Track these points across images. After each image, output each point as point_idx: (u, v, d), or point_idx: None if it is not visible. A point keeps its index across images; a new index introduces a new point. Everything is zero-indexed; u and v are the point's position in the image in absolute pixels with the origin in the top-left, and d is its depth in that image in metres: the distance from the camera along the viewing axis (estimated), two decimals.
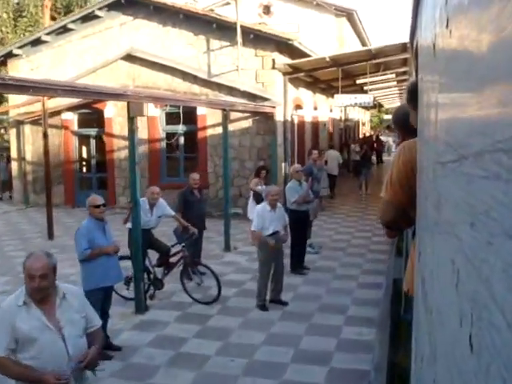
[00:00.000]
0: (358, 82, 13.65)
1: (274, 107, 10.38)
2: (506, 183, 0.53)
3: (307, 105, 14.06)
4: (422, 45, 1.86)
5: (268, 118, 10.40)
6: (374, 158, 27.37)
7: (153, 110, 11.18)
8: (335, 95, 12.73)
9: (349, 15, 20.36)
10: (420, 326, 1.61)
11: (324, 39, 14.43)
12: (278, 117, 10.68)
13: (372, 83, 14.40)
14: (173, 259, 5.87)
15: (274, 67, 10.87)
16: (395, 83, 22.45)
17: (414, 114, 2.18)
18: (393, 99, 34.32)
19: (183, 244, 5.71)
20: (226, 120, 8.20)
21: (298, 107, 13.21)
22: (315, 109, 15.78)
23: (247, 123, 10.91)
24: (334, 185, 14.18)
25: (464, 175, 0.78)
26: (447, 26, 0.95)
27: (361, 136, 34.87)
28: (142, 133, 10.93)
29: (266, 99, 10.43)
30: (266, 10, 18.62)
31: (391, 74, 13.69)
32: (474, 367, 0.67)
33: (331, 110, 20.47)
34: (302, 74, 11.76)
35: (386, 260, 7.66)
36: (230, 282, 6.50)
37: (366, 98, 12.91)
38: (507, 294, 0.52)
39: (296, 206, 6.84)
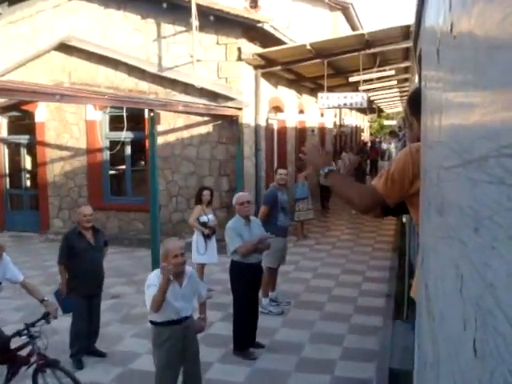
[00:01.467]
0: (350, 79, 12.79)
1: (239, 109, 9.10)
2: (510, 188, 0.54)
3: (290, 107, 12.93)
4: (426, 50, 1.88)
5: (232, 122, 9.12)
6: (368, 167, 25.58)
7: (92, 113, 10.44)
8: (319, 94, 11.13)
9: (344, 9, 19.54)
10: (423, 331, 1.58)
11: (317, 35, 13.72)
12: (247, 121, 9.53)
13: (368, 82, 13.70)
14: (22, 352, 4.01)
15: (240, 58, 9.41)
16: (395, 83, 20.72)
17: (417, 125, 2.18)
18: (394, 103, 33.40)
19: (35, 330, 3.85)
20: (152, 124, 7.19)
21: (278, 110, 12.08)
22: (301, 112, 14.73)
23: (207, 129, 9.71)
24: (329, 197, 14.46)
25: (468, 180, 0.79)
26: (451, 30, 0.95)
27: (356, 143, 32.57)
28: (80, 141, 10.39)
29: (230, 99, 9.20)
30: (254, 3, 17.32)
31: (390, 69, 12.63)
32: (478, 372, 0.67)
33: (322, 115, 19.57)
34: (279, 68, 10.25)
35: (379, 328, 5.97)
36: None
37: (357, 98, 11.19)
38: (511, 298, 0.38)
39: (240, 258, 5.05)
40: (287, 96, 12.05)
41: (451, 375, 0.89)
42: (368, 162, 25.26)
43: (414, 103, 2.15)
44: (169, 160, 9.18)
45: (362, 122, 36.93)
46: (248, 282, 4.91)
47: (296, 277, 7.71)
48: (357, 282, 7.47)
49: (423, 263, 1.63)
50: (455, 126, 0.92)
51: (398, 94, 22.77)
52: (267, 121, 10.46)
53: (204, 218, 6.40)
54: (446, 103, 1.02)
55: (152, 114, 6.60)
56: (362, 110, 36.06)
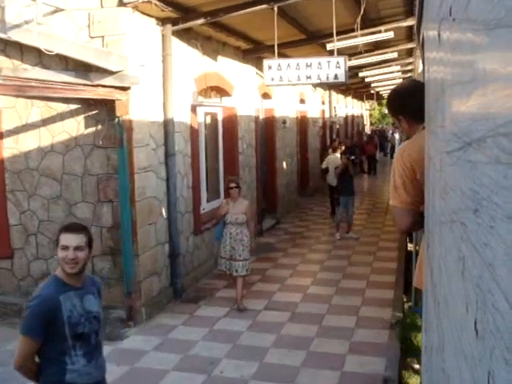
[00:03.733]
0: (329, 47, 9.61)
1: (123, 89, 6.15)
2: (506, 167, 0.57)
3: (245, 90, 10.30)
4: (428, 34, 2.02)
5: (111, 111, 6.18)
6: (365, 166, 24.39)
7: None
8: (265, 62, 7.83)
9: None
10: (429, 317, 1.68)
11: None
12: (143, 112, 6.58)
13: (357, 56, 11.38)
14: None
15: (122, 2, 6.20)
16: (398, 67, 18.15)
17: (404, 122, 2.45)
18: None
19: None
20: None
21: (221, 93, 9.41)
22: (266, 97, 12.09)
23: (75, 124, 6.57)
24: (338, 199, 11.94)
25: (468, 162, 0.84)
26: (450, 13, 1.00)
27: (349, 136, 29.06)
28: None
29: (109, 72, 6.12)
30: None
31: (386, 30, 9.49)
32: (478, 352, 0.72)
33: (303, 101, 16.42)
34: (202, 22, 7.13)
35: None
36: None
37: (331, 67, 7.34)
38: (509, 276, 0.55)
39: None
40: (239, 73, 10.02)
41: (455, 358, 0.93)
42: (364, 158, 23.71)
43: (393, 105, 2.45)
44: (22, 176, 6.74)
45: (360, 110, 31.63)
46: None
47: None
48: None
49: (428, 249, 1.72)
50: (456, 109, 0.97)
51: (400, 75, 20.44)
52: (195, 109, 8.09)
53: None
54: (447, 87, 1.08)
55: None
56: (331, 84, 30.06)
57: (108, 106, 6.07)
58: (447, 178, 1.09)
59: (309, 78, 7.11)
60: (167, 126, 6.83)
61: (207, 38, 8.11)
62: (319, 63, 7.02)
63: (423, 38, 3.42)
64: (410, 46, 11.79)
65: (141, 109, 6.25)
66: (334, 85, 15.00)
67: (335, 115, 21.71)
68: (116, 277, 6.33)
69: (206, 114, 8.79)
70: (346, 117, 26.36)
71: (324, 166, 13.01)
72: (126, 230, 5.99)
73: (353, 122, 30.17)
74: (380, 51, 12.51)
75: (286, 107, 13.54)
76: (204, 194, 8.50)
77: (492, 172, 0.63)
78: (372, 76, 17.68)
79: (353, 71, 16.06)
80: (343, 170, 10.53)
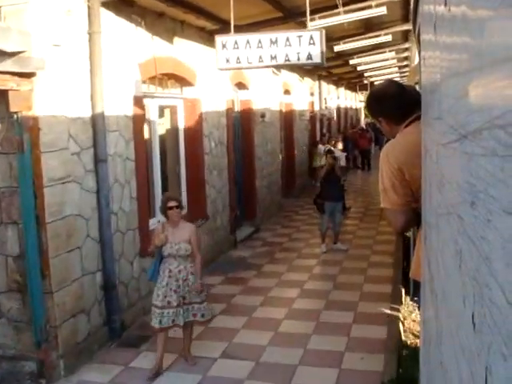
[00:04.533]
0: (311, 24, 7.76)
1: (24, 76, 4.85)
2: (502, 159, 0.58)
3: (211, 79, 9.04)
4: (424, 25, 2.10)
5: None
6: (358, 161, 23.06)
7: None
8: (217, 38, 6.51)
9: None
10: (427, 309, 1.71)
11: None
12: (57, 106, 5.25)
13: (347, 40, 11.25)
14: None
15: None
16: (393, 54, 16.33)
17: (384, 123, 2.53)
18: (391, 77, 27.13)
19: None
20: None
21: (181, 82, 8.22)
22: (241, 87, 10.94)
23: None
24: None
25: (464, 154, 0.86)
26: (445, 4, 1.01)
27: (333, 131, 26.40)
28: None
29: (9, 54, 4.68)
30: None
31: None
32: (476, 346, 0.74)
33: (288, 92, 15.12)
34: None
35: None
36: None
37: (302, 44, 5.93)
38: (506, 270, 0.56)
39: None
40: (204, 59, 8.63)
41: (453, 351, 0.96)
42: (357, 153, 22.58)
43: (371, 107, 2.64)
44: None
45: (355, 102, 30.23)
46: None
47: None
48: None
49: (426, 242, 1.77)
50: (452, 101, 1.01)
51: (395, 63, 19.30)
52: (140, 101, 6.77)
53: None
54: (443, 79, 1.12)
55: None
56: (350, 86, 29.11)
57: (6, 98, 4.69)
58: (444, 170, 1.13)
59: (274, 58, 5.90)
60: (96, 123, 5.89)
61: (159, 15, 6.98)
62: (287, 39, 5.87)
63: (419, 29, 3.50)
64: (405, 27, 10.97)
65: (53, 102, 5.27)
66: (308, 67, 13.04)
67: (326, 107, 20.89)
68: (26, 319, 5.37)
69: (161, 107, 8.21)
70: (339, 109, 25.08)
71: (323, 163, 12.12)
72: (31, 261, 4.76)
73: (346, 115, 29.64)
74: (372, 34, 11.46)
75: (266, 99, 12.90)
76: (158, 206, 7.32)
77: (488, 164, 0.66)
78: (365, 64, 16.42)
79: (343, 58, 14.82)
80: (328, 171, 9.00)
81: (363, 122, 35.50)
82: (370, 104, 2.65)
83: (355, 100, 34.55)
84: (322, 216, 9.82)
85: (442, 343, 1.11)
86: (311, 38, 5.93)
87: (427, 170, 1.71)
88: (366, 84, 26.53)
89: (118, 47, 6.28)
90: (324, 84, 20.79)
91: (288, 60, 6.02)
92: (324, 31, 6.03)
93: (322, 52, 5.94)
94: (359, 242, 10.43)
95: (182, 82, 8.25)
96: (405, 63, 19.78)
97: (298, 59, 6.01)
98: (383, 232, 10.98)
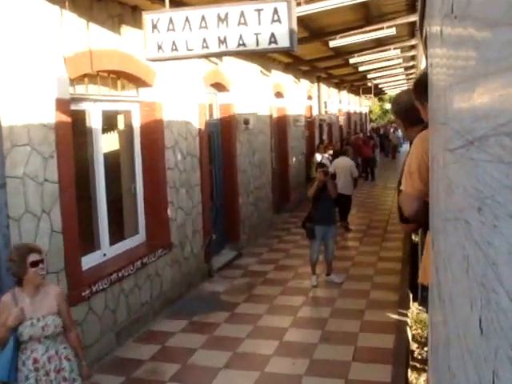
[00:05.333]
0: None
1: None
2: (508, 166, 0.60)
3: (175, 78, 7.76)
4: (431, 31, 2.15)
5: None
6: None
7: None
8: (144, 15, 4.96)
9: None
10: (435, 314, 1.76)
11: None
12: None
13: (344, 34, 9.76)
14: None
15: None
16: (400, 60, 16.04)
17: (424, 109, 2.58)
18: (397, 82, 26.99)
19: None
20: None
21: (135, 82, 6.99)
22: (220, 88, 9.58)
23: None
24: (346, 212, 11.70)
25: (471, 160, 0.89)
26: (452, 11, 1.03)
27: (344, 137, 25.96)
28: None
29: None
30: None
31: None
32: (484, 351, 0.77)
33: (280, 95, 13.43)
34: None
35: None
36: None
37: (262, 21, 4.23)
38: None
39: None
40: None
41: (460, 355, 0.99)
42: (359, 161, 20.61)
43: (418, 89, 2.68)
44: None
45: (359, 106, 28.91)
46: None
47: None
48: None
49: (434, 247, 1.82)
50: (458, 107, 1.04)
51: (401, 63, 17.73)
52: (66, 106, 5.30)
53: None
54: (450, 85, 1.16)
55: None
56: (353, 89, 28.09)
57: None
58: (451, 175, 1.16)
59: (223, 42, 4.52)
60: None
61: None
62: (242, 15, 4.38)
63: (426, 35, 3.63)
64: (411, 19, 9.90)
65: None
66: (274, 52, 9.72)
67: (326, 112, 19.71)
68: None
69: (110, 113, 7.22)
70: (341, 114, 25.47)
71: (332, 170, 11.65)
72: None
73: (349, 120, 29.40)
74: (373, 27, 10.89)
75: (252, 102, 11.94)
76: (105, 235, 6.64)
77: (494, 171, 0.68)
78: (367, 63, 15.30)
79: (342, 57, 13.43)
80: (319, 189, 7.53)
81: (369, 127, 35.47)
82: (418, 86, 2.81)
83: (359, 104, 33.89)
84: (313, 242, 8.57)
85: (449, 347, 1.15)
86: (275, 11, 4.33)
87: (435, 174, 1.79)
88: (370, 87, 25.67)
89: (33, 35, 5.03)
90: (324, 87, 20.12)
91: (243, 45, 4.46)
92: (294, 2, 4.52)
93: (290, 31, 4.37)
94: (357, 271, 9.28)
95: (136, 82, 7.25)
96: (411, 63, 18.55)
97: (257, 43, 4.43)
98: (386, 258, 9.96)
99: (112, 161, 7.16)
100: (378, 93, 33.77)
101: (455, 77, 1.08)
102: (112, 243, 6.72)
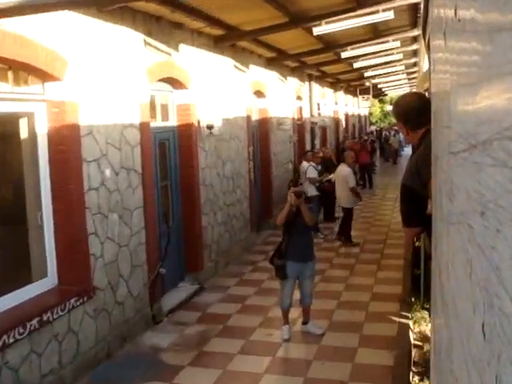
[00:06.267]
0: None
1: None
2: (511, 171, 0.68)
3: (101, 70, 6.04)
4: (434, 34, 2.24)
5: None
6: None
7: None
8: None
9: None
10: (438, 317, 1.73)
11: None
12: None
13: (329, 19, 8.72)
14: None
15: None
16: (400, 55, 14.34)
17: (414, 133, 2.88)
18: (399, 83, 25.32)
19: None
20: None
21: (40, 76, 5.41)
22: (175, 85, 8.04)
23: None
24: (347, 228, 10.76)
25: (474, 164, 0.93)
26: (455, 14, 1.06)
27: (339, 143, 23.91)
28: None
29: None
30: None
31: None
32: (487, 355, 0.78)
33: (261, 95, 11.62)
34: None
35: None
36: None
37: None
38: None
39: None
40: (89, 38, 5.81)
41: (463, 359, 1.00)
42: (356, 168, 18.51)
43: (395, 113, 3.02)
44: None
45: (358, 107, 27.28)
46: None
47: None
48: None
49: (436, 250, 1.85)
50: (461, 110, 1.07)
51: (402, 66, 16.81)
52: None
53: None
54: (453, 88, 1.18)
55: None
56: (351, 89, 26.47)
57: None
58: (454, 178, 1.20)
59: None
60: None
61: None
62: None
63: (429, 38, 3.87)
64: (415, 33, 10.33)
65: None
66: None
67: (319, 114, 18.08)
68: None
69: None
70: (337, 117, 23.68)
71: (330, 179, 11.75)
72: None
73: (347, 123, 27.82)
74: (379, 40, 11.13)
75: (221, 103, 10.56)
76: None
77: (498, 175, 0.69)
78: (361, 58, 13.27)
79: (333, 50, 11.71)
80: (289, 216, 5.81)
81: (369, 130, 34.86)
82: (392, 108, 3.22)
83: (358, 106, 31.61)
84: (284, 283, 6.76)
85: (452, 351, 1.19)
86: None
87: (438, 178, 1.82)
88: (368, 87, 24.19)
89: None
90: (317, 86, 18.54)
91: None
92: None
93: None
94: (342, 316, 7.34)
95: (40, 74, 5.67)
96: (413, 60, 17.38)
97: None
98: (381, 296, 8.07)
99: (9, 182, 5.87)
100: (378, 94, 33.10)
101: (459, 80, 1.12)
102: (3, 293, 5.31)
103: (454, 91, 1.18)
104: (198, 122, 9.10)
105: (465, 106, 1.01)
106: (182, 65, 8.39)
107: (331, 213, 13.12)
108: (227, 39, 9.29)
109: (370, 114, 41.03)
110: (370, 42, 12.91)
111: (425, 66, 9.32)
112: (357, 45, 13.05)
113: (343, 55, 13.70)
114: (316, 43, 12.29)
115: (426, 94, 5.30)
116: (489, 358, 0.70)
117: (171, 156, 8.58)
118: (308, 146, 17.30)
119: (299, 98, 16.91)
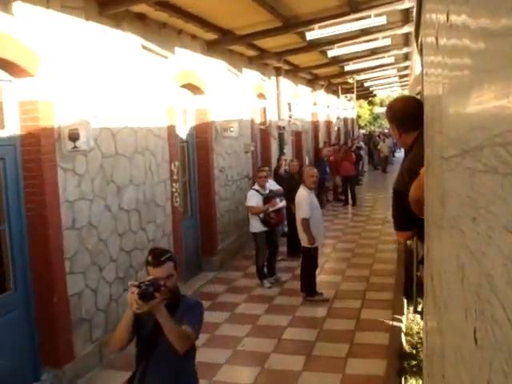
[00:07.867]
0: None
1: None
2: (502, 177, 0.64)
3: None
4: (426, 39, 2.25)
5: None
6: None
7: None
8: None
9: None
10: (430, 320, 1.78)
11: None
12: None
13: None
14: None
15: None
16: (391, 59, 14.79)
17: (407, 136, 2.92)
18: (389, 84, 24.91)
19: None
20: None
21: None
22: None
23: None
24: (308, 277, 8.23)
25: (466, 170, 0.96)
26: (447, 19, 1.12)
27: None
28: None
29: None
30: None
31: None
32: (478, 361, 0.81)
33: (197, 91, 9.33)
34: None
35: None
36: None
37: None
38: (507, 287, 0.61)
39: None
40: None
41: (455, 365, 1.02)
42: (338, 180, 17.57)
43: (390, 115, 3.04)
44: None
45: (343, 109, 25.34)
46: None
47: None
48: None
49: (429, 254, 1.88)
50: (453, 116, 1.11)
51: (393, 63, 16.12)
52: None
53: None
54: (445, 93, 1.23)
55: None
56: (331, 88, 24.14)
57: None
58: (446, 183, 1.24)
59: None
60: None
61: None
62: None
63: (421, 43, 4.02)
64: (405, 30, 10.40)
65: None
66: None
67: (290, 116, 15.32)
68: None
69: None
70: (316, 120, 21.57)
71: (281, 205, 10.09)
72: None
73: (328, 127, 25.23)
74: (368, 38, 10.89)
75: (117, 103, 7.09)
76: None
77: (489, 181, 0.72)
78: (349, 59, 12.51)
79: (317, 48, 11.14)
80: (133, 332, 3.39)
81: (356, 134, 31.45)
82: (385, 111, 3.20)
83: (343, 107, 28.16)
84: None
85: (444, 356, 1.20)
86: None
87: (430, 182, 1.86)
88: (352, 86, 21.51)
89: None
90: (287, 83, 15.44)
91: None
92: None
93: None
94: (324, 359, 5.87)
95: (9, 68, 5.03)
96: (406, 64, 16.36)
97: None
98: (366, 329, 6.53)
99: None
100: (366, 95, 29.97)
101: (450, 85, 1.16)
102: None
103: (446, 96, 1.25)
104: (58, 136, 5.92)
105: (457, 111, 1.05)
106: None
107: (296, 245, 9.30)
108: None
109: (359, 116, 36.61)
110: (359, 40, 11.46)
111: (417, 65, 8.91)
112: (344, 42, 11.72)
113: (329, 54, 11.79)
114: (274, 20, 9.28)
115: (419, 97, 5.52)
116: (480, 364, 0.71)
117: (10, 189, 5.37)
118: (275, 157, 13.80)
119: (261, 96, 13.93)
